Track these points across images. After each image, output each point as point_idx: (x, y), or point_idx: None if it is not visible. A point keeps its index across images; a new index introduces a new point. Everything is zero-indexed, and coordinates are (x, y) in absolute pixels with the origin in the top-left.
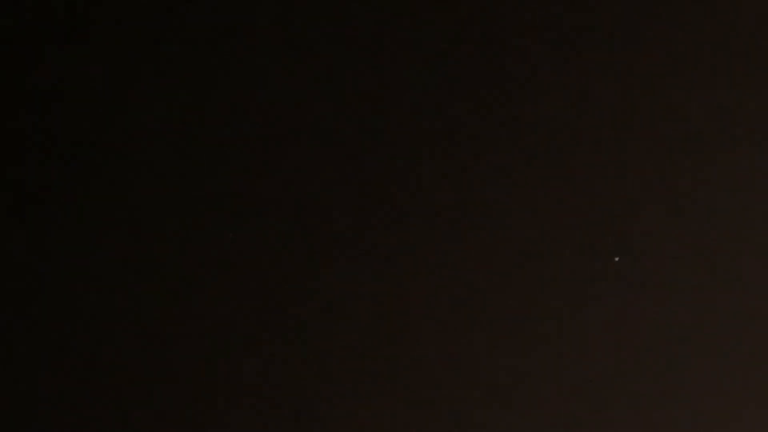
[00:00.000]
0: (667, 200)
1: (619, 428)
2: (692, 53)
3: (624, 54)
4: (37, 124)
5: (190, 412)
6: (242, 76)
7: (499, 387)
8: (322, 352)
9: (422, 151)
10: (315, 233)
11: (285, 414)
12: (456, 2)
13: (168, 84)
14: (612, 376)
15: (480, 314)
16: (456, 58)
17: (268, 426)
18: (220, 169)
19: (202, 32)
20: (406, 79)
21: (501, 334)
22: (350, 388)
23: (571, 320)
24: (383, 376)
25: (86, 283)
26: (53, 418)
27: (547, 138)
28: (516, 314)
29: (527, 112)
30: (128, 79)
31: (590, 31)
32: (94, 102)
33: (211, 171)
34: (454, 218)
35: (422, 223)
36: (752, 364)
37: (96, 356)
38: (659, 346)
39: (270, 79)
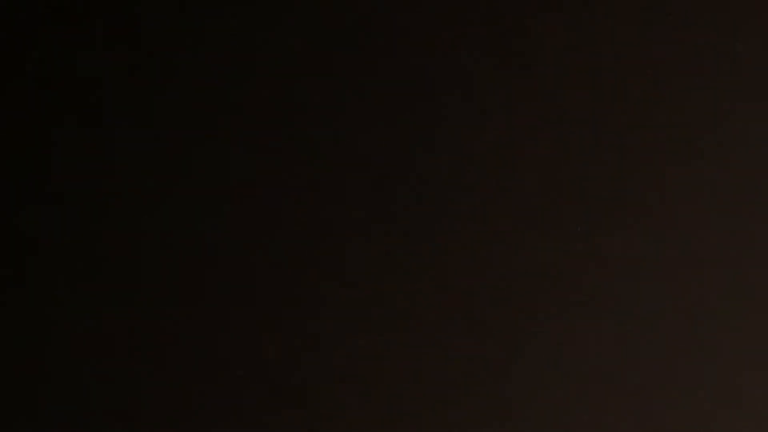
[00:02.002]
0: (666, 199)
1: (618, 428)
2: (686, 52)
3: (613, 57)
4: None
5: (187, 411)
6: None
7: (497, 386)
8: (320, 352)
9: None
10: (314, 233)
11: (284, 413)
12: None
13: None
14: (610, 375)
15: (479, 314)
16: (453, 57)
17: (267, 425)
18: (217, 168)
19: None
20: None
21: (500, 333)
22: (348, 388)
23: (568, 319)
24: (381, 375)
25: (85, 282)
26: (52, 417)
27: (545, 137)
28: (514, 313)
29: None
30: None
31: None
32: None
33: (208, 169)
34: (451, 217)
35: (418, 222)
36: (752, 362)
37: (94, 355)
38: (657, 344)
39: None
